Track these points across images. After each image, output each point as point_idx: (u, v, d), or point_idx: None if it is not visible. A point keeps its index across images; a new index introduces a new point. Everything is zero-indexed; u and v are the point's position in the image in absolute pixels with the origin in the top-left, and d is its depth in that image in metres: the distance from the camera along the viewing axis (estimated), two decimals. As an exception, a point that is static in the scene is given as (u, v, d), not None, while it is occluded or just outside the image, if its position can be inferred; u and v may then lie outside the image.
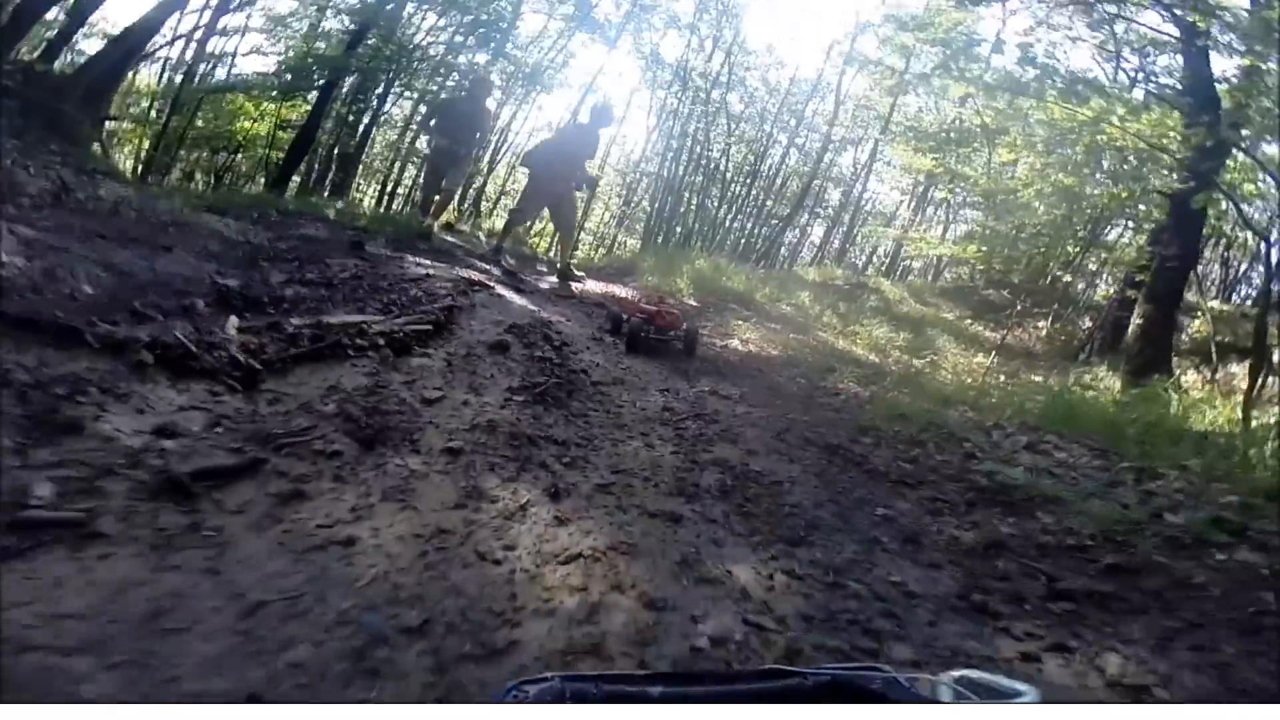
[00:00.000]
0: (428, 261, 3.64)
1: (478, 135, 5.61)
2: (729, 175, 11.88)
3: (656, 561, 1.02)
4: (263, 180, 10.59)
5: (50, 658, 0.61)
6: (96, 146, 5.39)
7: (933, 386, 3.20)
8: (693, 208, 12.21)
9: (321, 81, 8.41)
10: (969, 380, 4.69)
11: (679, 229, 11.67)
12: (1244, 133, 4.86)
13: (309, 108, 9.53)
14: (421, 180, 6.11)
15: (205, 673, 0.63)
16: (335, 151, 10.45)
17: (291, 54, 9.62)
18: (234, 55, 10.17)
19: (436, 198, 5.51)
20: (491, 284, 3.33)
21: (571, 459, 1.40)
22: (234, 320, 1.55)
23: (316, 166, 10.20)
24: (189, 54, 9.80)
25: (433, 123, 5.52)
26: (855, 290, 9.05)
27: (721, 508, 1.30)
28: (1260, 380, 3.31)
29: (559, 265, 5.35)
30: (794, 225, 13.23)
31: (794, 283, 8.55)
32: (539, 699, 0.43)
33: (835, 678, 0.48)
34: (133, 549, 0.73)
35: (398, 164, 12.46)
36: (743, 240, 11.18)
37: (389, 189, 12.33)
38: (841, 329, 5.66)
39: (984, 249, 7.07)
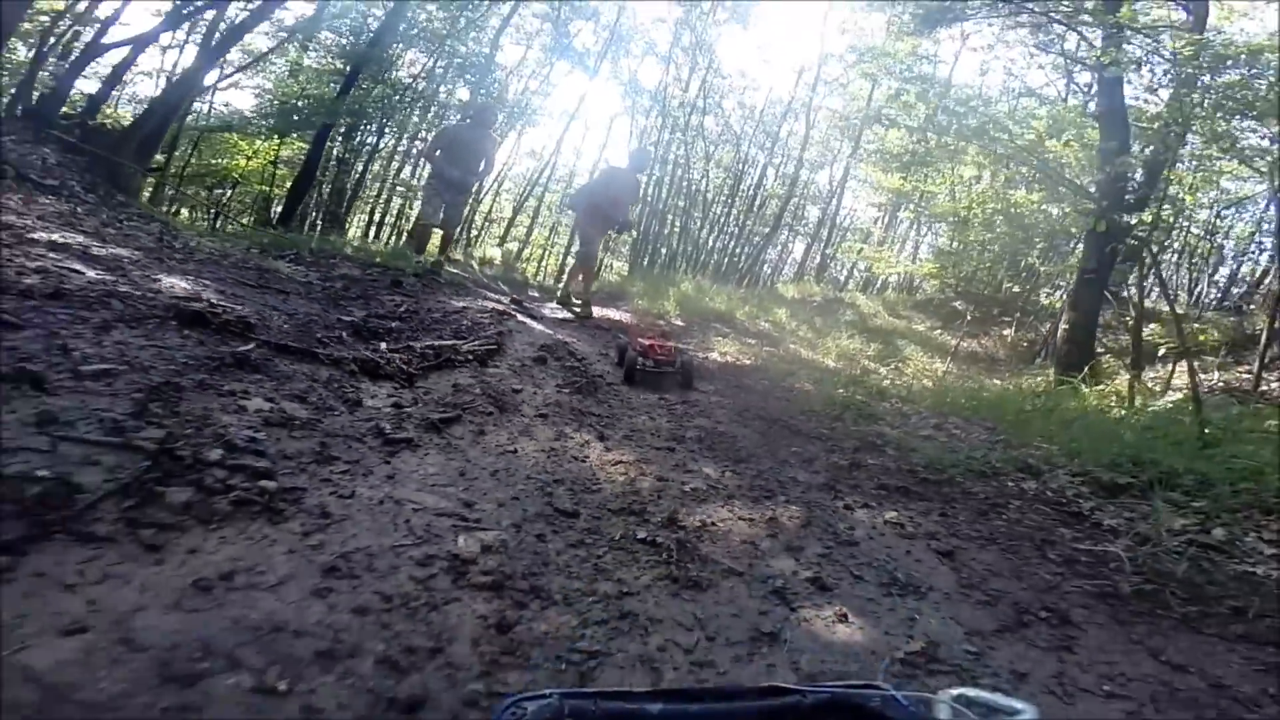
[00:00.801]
0: (454, 296, 4.59)
1: (482, 165, 5.72)
2: (709, 197, 13.07)
3: (661, 465, 1.92)
4: (252, 216, 11.56)
5: (433, 491, 1.50)
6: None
7: (874, 384, 4.18)
8: (676, 229, 13.34)
9: (318, 125, 9.42)
10: (928, 383, 5.69)
11: (664, 250, 12.75)
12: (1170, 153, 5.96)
13: (302, 145, 10.57)
14: (418, 211, 6.07)
15: (481, 496, 1.53)
16: (331, 188, 11.47)
17: (282, 93, 10.64)
18: (213, 88, 11.00)
19: (436, 229, 5.67)
20: (514, 312, 4.28)
21: (605, 423, 2.29)
22: (385, 345, 2.45)
23: (313, 202, 11.19)
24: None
25: (437, 152, 5.57)
26: (831, 305, 10.10)
27: (697, 447, 2.20)
28: (1135, 376, 4.35)
29: (580, 298, 5.56)
30: (774, 243, 14.40)
31: (773, 300, 9.60)
32: (538, 715, 0.46)
33: (834, 696, 0.51)
34: (435, 451, 1.62)
35: (384, 196, 13.49)
36: (725, 260, 12.28)
37: (377, 220, 13.35)
38: (812, 341, 6.66)
39: (939, 265, 8.17)
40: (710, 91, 12.31)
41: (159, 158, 10.70)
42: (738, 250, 12.48)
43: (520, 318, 4.17)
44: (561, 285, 6.26)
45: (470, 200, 6.68)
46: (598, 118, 36.05)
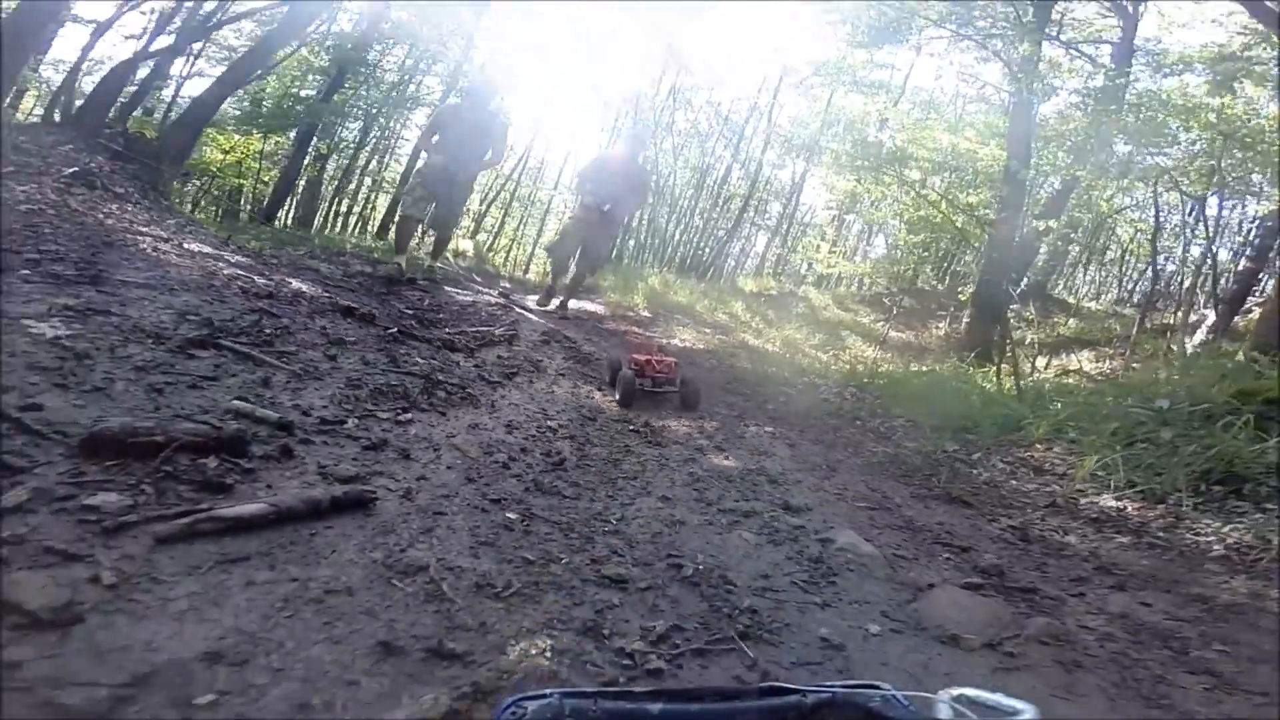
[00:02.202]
0: (460, 291, 5.85)
1: (488, 154, 5.29)
2: (676, 192, 14.45)
3: (637, 403, 3.30)
4: (221, 209, 12.42)
5: (525, 404, 2.81)
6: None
7: (799, 364, 5.63)
8: (644, 223, 14.69)
9: (304, 124, 10.44)
10: (858, 366, 7.19)
11: (631, 243, 14.07)
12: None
13: (278, 139, 11.52)
14: (404, 203, 5.55)
15: (547, 407, 2.83)
16: (319, 185, 12.45)
17: (264, 91, 11.57)
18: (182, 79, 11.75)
19: (428, 231, 5.64)
20: (511, 305, 5.57)
21: (600, 379, 3.66)
22: (447, 330, 3.72)
23: (298, 198, 12.16)
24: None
25: (434, 138, 5.17)
26: (785, 299, 11.61)
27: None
28: (1005, 360, 5.92)
29: (564, 295, 5.77)
30: (738, 237, 15.93)
31: (732, 294, 11.04)
32: (538, 715, 0.49)
33: (835, 696, 0.54)
34: (513, 389, 2.88)
35: (359, 189, 14.49)
36: (690, 253, 13.71)
37: (343, 211, 14.35)
38: (762, 332, 8.12)
39: (873, 266, 9.76)
40: (679, 89, 13.71)
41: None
42: (702, 245, 13.94)
43: (517, 310, 5.46)
44: (550, 284, 6.01)
45: (468, 196, 5.93)
46: (568, 110, 37.12)
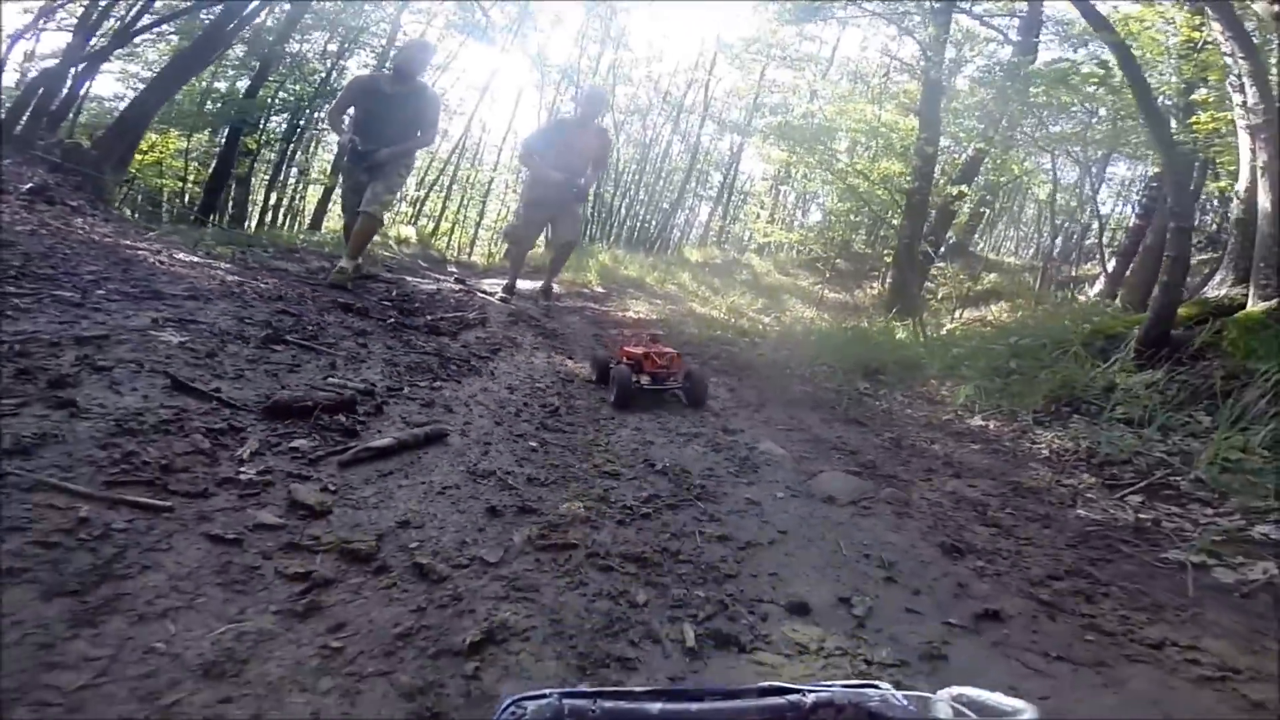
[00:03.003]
0: (419, 279, 6.36)
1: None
2: (620, 167, 14.98)
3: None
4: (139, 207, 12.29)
5: (514, 372, 3.44)
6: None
7: (742, 327, 6.40)
8: (591, 199, 15.13)
9: (231, 121, 10.49)
10: (797, 326, 8.04)
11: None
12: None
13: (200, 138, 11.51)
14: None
15: (531, 374, 3.47)
16: (250, 181, 12.43)
17: (184, 90, 11.48)
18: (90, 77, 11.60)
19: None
20: (472, 290, 6.12)
21: (568, 350, 4.30)
22: (428, 317, 4.28)
23: (231, 195, 12.13)
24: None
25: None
26: (729, 266, 12.42)
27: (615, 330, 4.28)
28: (918, 317, 6.85)
29: (542, 285, 5.81)
30: (682, 208, 16.64)
31: (679, 265, 11.76)
32: (538, 715, 0.50)
33: (834, 696, 0.56)
34: (501, 362, 3.47)
35: (291, 182, 14.42)
36: (637, 227, 14.34)
37: (272, 205, 14.30)
38: (709, 299, 8.88)
39: (803, 235, 10.62)
40: (619, 64, 14.16)
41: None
42: (648, 218, 14.57)
43: (479, 295, 6.02)
44: (511, 272, 5.86)
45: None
46: (505, 90, 36.69)
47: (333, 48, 12.13)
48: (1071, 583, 1.57)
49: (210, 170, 11.43)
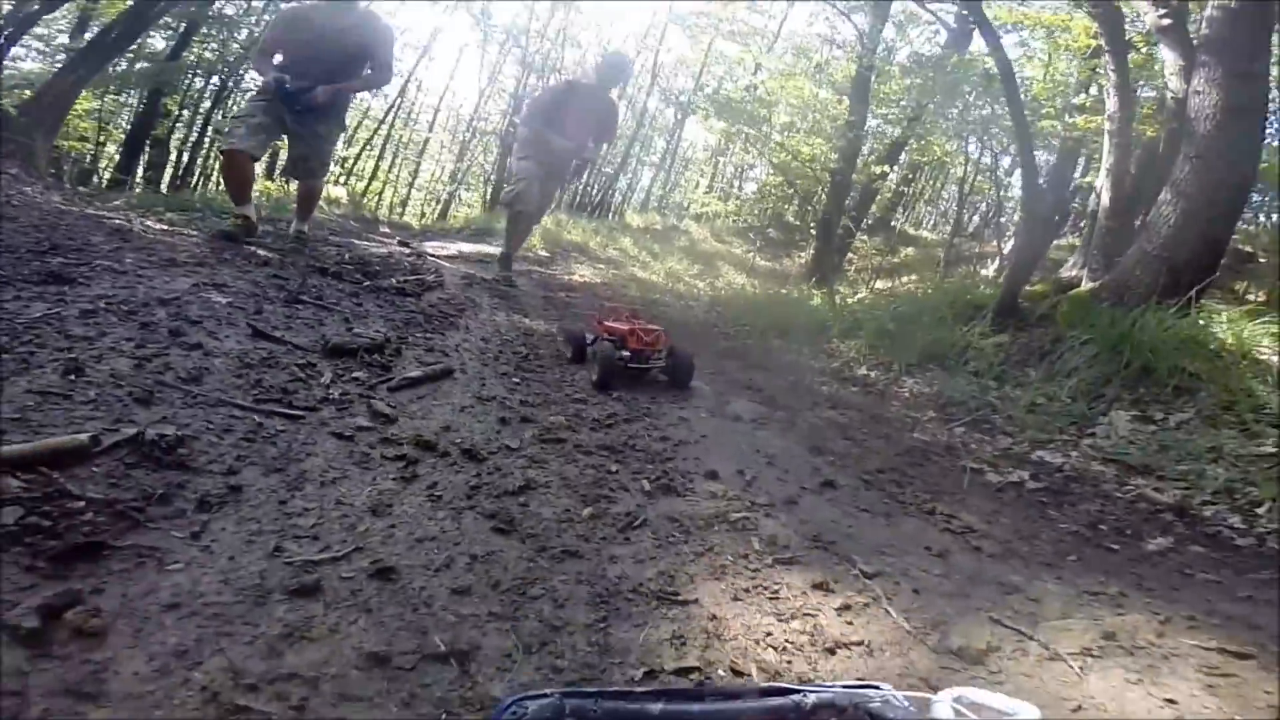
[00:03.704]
0: (380, 245, 6.79)
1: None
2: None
3: (547, 319, 4.65)
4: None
5: (481, 329, 4.06)
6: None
7: (678, 289, 7.18)
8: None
9: (153, 82, 10.27)
10: (727, 292, 8.88)
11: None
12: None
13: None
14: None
15: (496, 331, 4.10)
16: (168, 143, 12.10)
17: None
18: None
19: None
20: (423, 254, 6.61)
21: (523, 310, 4.93)
22: (395, 279, 4.80)
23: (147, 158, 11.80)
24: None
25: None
26: (669, 233, 13.16)
27: (563, 315, 4.96)
28: (831, 287, 7.80)
29: (502, 252, 5.48)
30: (624, 173, 17.14)
31: (621, 230, 12.41)
32: (538, 715, 0.51)
33: (835, 696, 0.57)
34: (468, 320, 4.13)
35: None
36: (580, 191, 14.81)
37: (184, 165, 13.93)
38: (648, 264, 9.61)
39: (738, 206, 11.47)
40: (569, 25, 14.42)
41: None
42: (590, 182, 15.05)
43: (431, 257, 6.52)
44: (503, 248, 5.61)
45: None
46: (445, 49, 35.63)
47: (258, 3, 11.88)
48: (889, 475, 2.42)
49: (127, 132, 11.17)
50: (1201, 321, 4.09)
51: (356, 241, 6.75)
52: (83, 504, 1.06)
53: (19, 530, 0.97)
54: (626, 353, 2.90)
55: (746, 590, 1.40)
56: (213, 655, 0.93)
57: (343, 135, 5.21)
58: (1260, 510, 2.54)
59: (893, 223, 13.83)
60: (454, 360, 2.78)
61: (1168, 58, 5.18)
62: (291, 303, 2.89)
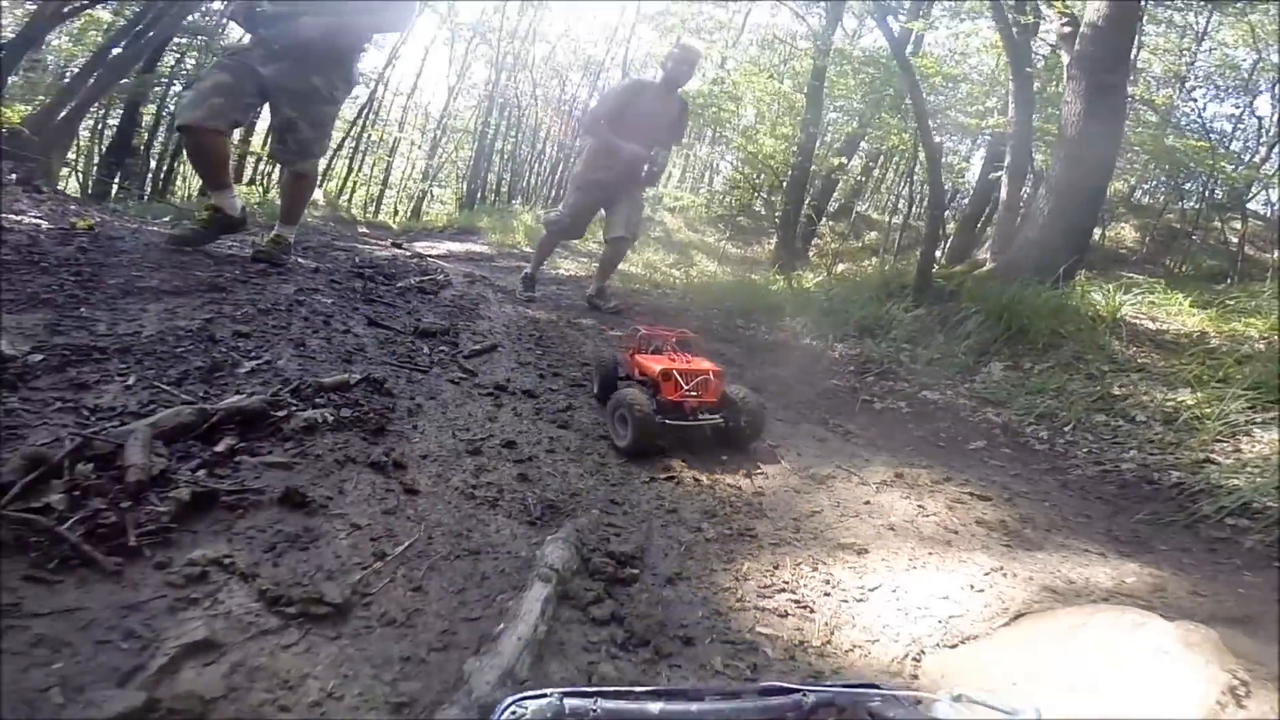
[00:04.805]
0: (375, 246, 7.92)
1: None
2: (537, 129, 16.44)
3: (547, 309, 5.85)
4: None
5: (500, 319, 5.23)
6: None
7: (654, 280, 8.41)
8: (506, 157, 16.54)
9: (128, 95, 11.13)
10: (700, 280, 10.13)
11: (494, 179, 15.96)
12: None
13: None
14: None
15: (510, 322, 5.30)
16: (148, 153, 12.94)
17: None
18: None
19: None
20: (421, 255, 7.76)
21: (526, 306, 6.13)
22: (414, 280, 5.94)
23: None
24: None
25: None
26: (645, 224, 14.40)
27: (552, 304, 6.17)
28: (790, 270, 9.10)
29: (592, 289, 5.62)
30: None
31: (598, 223, 13.60)
32: (538, 715, 0.53)
33: (835, 696, 0.60)
34: (491, 310, 5.34)
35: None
36: (554, 187, 15.96)
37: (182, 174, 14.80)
38: (627, 257, 10.81)
39: (702, 198, 12.74)
40: (537, 21, 15.48)
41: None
42: (565, 177, 16.19)
43: (431, 260, 7.67)
44: (532, 264, 5.97)
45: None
46: (412, 48, 36.25)
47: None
48: (804, 403, 3.68)
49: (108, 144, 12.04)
50: (1071, 293, 5.42)
51: (359, 246, 7.83)
52: (365, 408, 2.24)
53: (348, 420, 2.15)
54: (673, 402, 2.46)
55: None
56: (450, 475, 2.13)
57: (350, 98, 3.91)
58: (1066, 429, 3.86)
59: (855, 209, 15.19)
60: (494, 339, 3.99)
61: (1068, 62, 6.48)
62: (369, 302, 4.06)
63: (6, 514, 1.13)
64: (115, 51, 8.13)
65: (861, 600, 1.64)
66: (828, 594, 1.67)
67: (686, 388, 2.45)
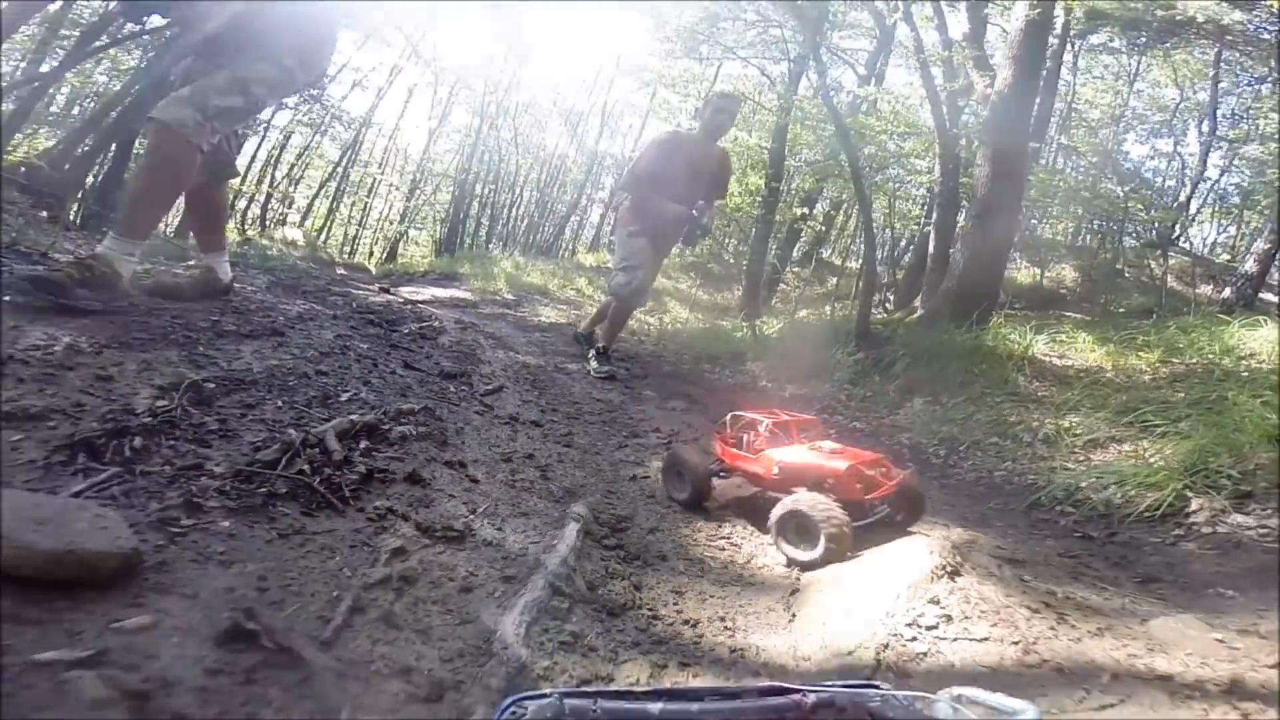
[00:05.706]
0: (365, 291, 8.93)
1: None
2: (516, 176, 17.68)
3: (528, 335, 6.88)
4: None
5: (503, 348, 6.24)
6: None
7: (630, 326, 9.52)
8: (485, 202, 17.70)
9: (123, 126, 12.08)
10: (672, 327, 11.26)
11: (472, 227, 17.08)
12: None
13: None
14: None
15: (515, 344, 6.31)
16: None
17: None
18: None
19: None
20: (412, 301, 8.77)
21: (513, 349, 7.14)
22: (414, 326, 6.94)
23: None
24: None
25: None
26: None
27: (543, 337, 7.20)
28: (751, 317, 10.29)
29: (599, 344, 5.65)
30: (575, 212, 19.60)
31: (575, 270, 14.76)
32: (538, 715, 0.55)
33: (835, 696, 0.62)
34: (488, 354, 6.33)
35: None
36: (533, 234, 17.16)
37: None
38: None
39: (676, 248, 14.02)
40: (519, 77, 16.86)
41: None
42: (542, 222, 17.44)
43: (421, 305, 8.67)
44: (585, 323, 6.28)
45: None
46: (396, 91, 37.94)
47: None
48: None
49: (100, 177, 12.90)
50: (985, 335, 6.62)
51: (352, 291, 8.76)
52: (429, 428, 3.24)
53: (423, 434, 3.13)
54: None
55: (667, 446, 3.68)
56: (495, 473, 3.13)
57: (280, 88, 3.33)
58: (961, 448, 4.97)
59: (818, 256, 16.61)
60: (499, 382, 5.00)
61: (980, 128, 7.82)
62: (394, 348, 5.06)
63: (283, 475, 2.12)
64: (135, 89, 9.11)
65: (772, 545, 2.67)
66: (750, 540, 2.71)
67: (864, 479, 2.36)
